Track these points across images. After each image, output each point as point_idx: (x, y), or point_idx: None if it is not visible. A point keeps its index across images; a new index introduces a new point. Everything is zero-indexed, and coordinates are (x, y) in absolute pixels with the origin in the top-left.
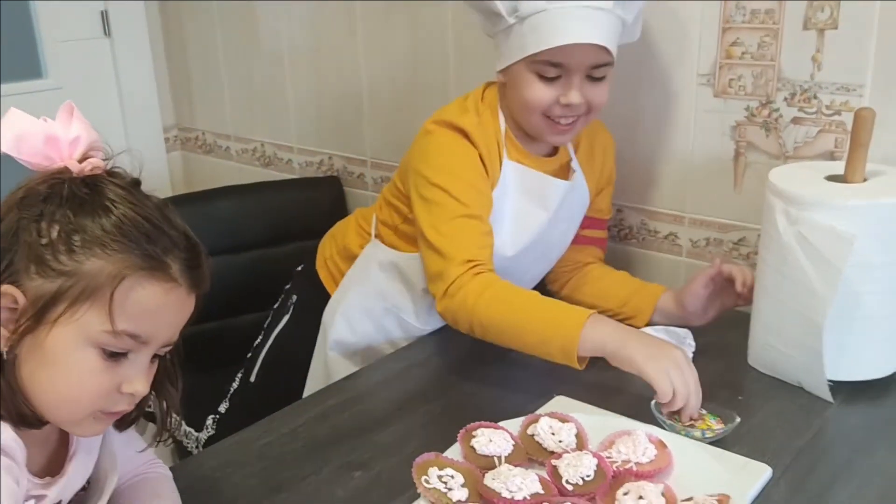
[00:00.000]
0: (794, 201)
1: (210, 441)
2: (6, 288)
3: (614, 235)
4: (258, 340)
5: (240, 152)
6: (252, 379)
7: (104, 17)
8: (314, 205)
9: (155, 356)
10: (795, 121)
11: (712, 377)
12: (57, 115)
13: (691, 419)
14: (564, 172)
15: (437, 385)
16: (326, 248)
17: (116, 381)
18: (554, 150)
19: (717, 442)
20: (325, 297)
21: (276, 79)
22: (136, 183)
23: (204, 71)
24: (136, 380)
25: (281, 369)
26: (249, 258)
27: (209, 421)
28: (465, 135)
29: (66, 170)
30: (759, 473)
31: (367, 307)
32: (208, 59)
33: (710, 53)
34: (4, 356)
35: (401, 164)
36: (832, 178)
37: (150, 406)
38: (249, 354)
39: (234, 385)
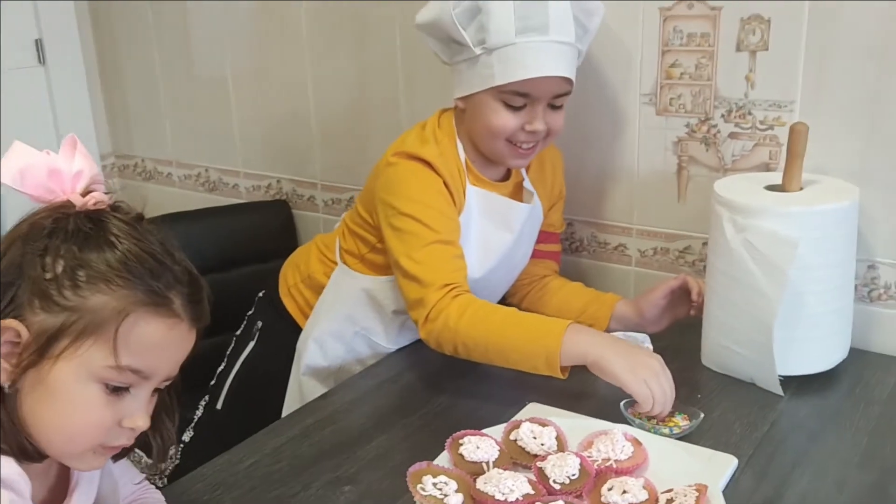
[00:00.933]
0: (739, 210)
1: (177, 471)
2: (9, 322)
3: (566, 248)
4: (222, 367)
5: (182, 178)
6: (219, 406)
7: (39, 45)
8: (263, 229)
9: (155, 390)
10: (732, 136)
11: (672, 377)
12: (60, 148)
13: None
14: (519, 193)
15: (411, 400)
16: (289, 277)
17: (118, 415)
18: (507, 174)
19: (684, 437)
20: (290, 323)
21: (220, 103)
22: (140, 218)
23: (142, 98)
24: (138, 415)
25: (249, 395)
26: None
27: (172, 451)
28: (429, 165)
29: (69, 203)
30: (726, 464)
31: (338, 331)
32: (147, 85)
33: (652, 75)
34: (6, 390)
35: (363, 193)
36: (771, 188)
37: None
38: (213, 382)
39: (199, 413)
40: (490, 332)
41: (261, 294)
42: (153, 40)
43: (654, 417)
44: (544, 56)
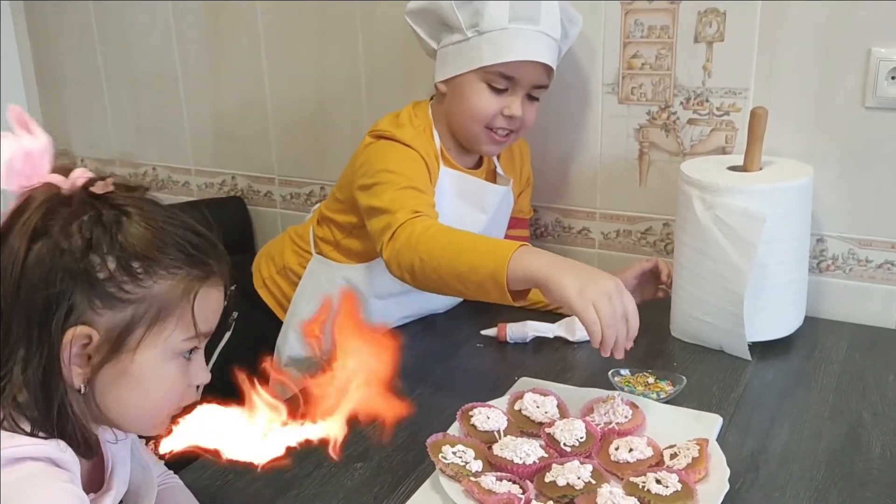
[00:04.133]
0: (708, 189)
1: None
2: (80, 330)
3: (531, 234)
4: None
5: (127, 177)
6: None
7: None
8: (219, 225)
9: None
10: (691, 122)
11: (647, 349)
12: (13, 126)
13: (645, 383)
14: (491, 180)
15: (402, 381)
16: (264, 269)
17: (187, 379)
18: (479, 163)
19: (669, 402)
20: (267, 314)
21: (169, 101)
22: (146, 191)
23: (82, 97)
24: (202, 372)
25: (229, 385)
26: None
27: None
28: (407, 145)
29: (51, 187)
30: (714, 422)
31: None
32: (87, 84)
33: (614, 65)
34: (82, 391)
35: (340, 180)
36: (733, 168)
37: None
38: None
39: None
40: (448, 247)
41: (232, 287)
42: (94, 36)
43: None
44: (533, 43)
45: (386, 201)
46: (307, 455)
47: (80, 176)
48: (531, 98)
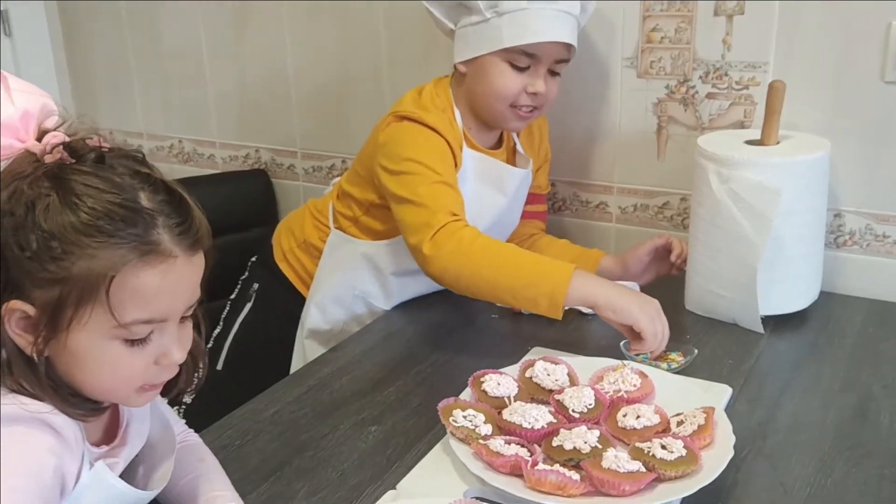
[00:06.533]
0: (724, 163)
1: None
2: (12, 304)
3: (549, 208)
4: (218, 330)
5: (154, 150)
6: (219, 367)
7: (3, 16)
8: (243, 198)
9: (183, 319)
10: (710, 96)
11: None
12: None
13: (659, 354)
14: (512, 159)
15: (419, 350)
16: (284, 242)
17: (149, 358)
18: (500, 142)
19: (680, 372)
20: (288, 286)
21: (195, 75)
22: (100, 158)
23: (111, 70)
24: (171, 350)
25: (248, 354)
26: None
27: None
28: (432, 129)
29: (29, 155)
30: (722, 392)
31: (338, 296)
32: (116, 58)
33: (633, 39)
34: (37, 360)
35: (360, 154)
36: (750, 143)
37: None
38: (211, 345)
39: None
40: (501, 262)
41: (254, 259)
42: (122, 11)
43: (651, 353)
44: (553, 22)
45: (420, 195)
46: (325, 417)
47: (49, 142)
48: (553, 73)
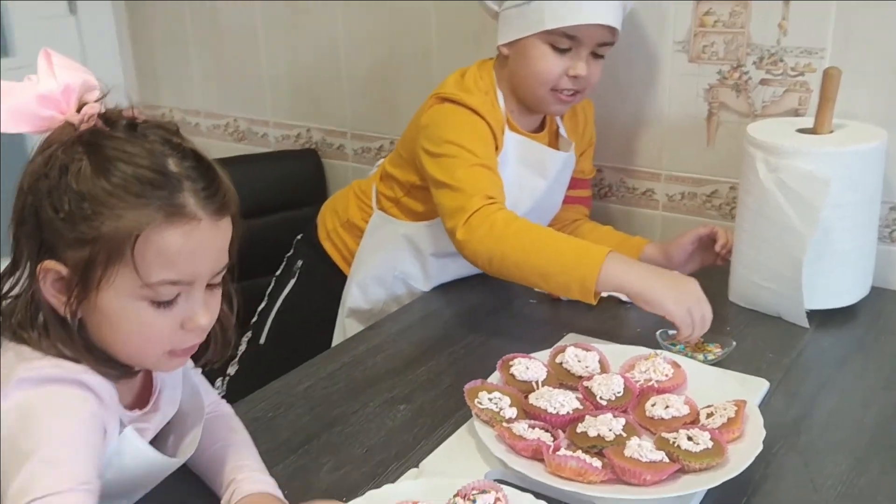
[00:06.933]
0: (773, 151)
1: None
2: (46, 264)
3: (595, 194)
4: (263, 305)
5: (210, 128)
6: (262, 341)
7: None
8: (293, 177)
9: (210, 285)
10: (763, 82)
11: None
12: (38, 68)
13: (693, 344)
14: (554, 143)
15: (454, 331)
16: (328, 221)
17: (176, 321)
18: (542, 125)
19: (717, 364)
20: (330, 265)
21: (250, 54)
22: (132, 125)
23: (171, 48)
24: (197, 315)
25: (290, 329)
26: None
27: (218, 383)
28: (474, 111)
29: (68, 125)
30: (759, 386)
31: (378, 276)
32: (175, 36)
33: (686, 23)
34: (71, 321)
35: (403, 136)
36: (802, 131)
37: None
38: (255, 319)
39: (242, 348)
40: (533, 246)
41: (299, 237)
42: None
43: (688, 344)
44: (595, 4)
45: (458, 179)
46: (357, 394)
47: (86, 112)
48: (596, 56)
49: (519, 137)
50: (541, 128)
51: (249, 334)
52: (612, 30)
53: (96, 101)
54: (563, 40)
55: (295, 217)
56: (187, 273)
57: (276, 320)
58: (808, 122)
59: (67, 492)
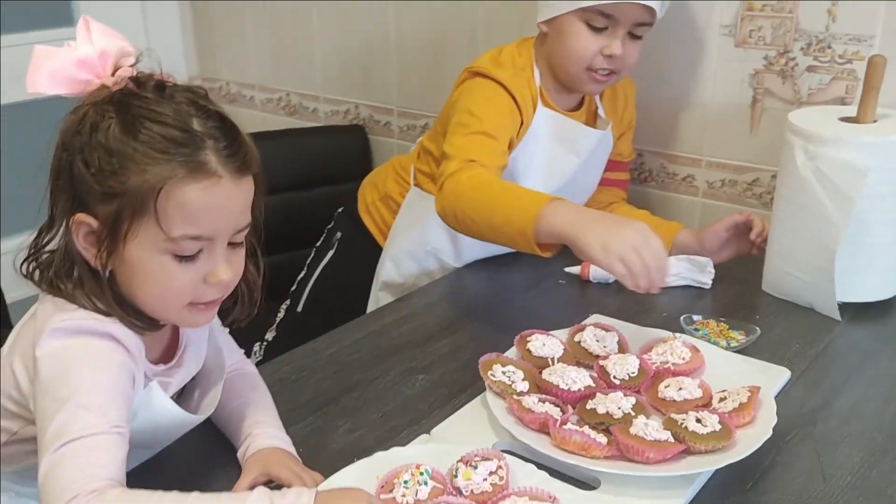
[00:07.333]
0: (812, 139)
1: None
2: (78, 217)
3: (635, 178)
4: (302, 274)
5: (264, 102)
6: (299, 309)
7: None
8: (340, 152)
9: (232, 244)
10: (810, 69)
11: (731, 300)
12: (77, 36)
13: (717, 331)
14: (592, 122)
15: (479, 307)
16: (367, 195)
17: (198, 276)
18: (580, 104)
19: (740, 352)
20: (367, 237)
21: (304, 30)
22: (161, 86)
23: (229, 22)
24: (219, 270)
25: (326, 299)
26: (278, 201)
27: (256, 348)
28: (501, 84)
29: (103, 88)
30: (779, 375)
31: (411, 250)
32: (233, 10)
33: (733, 6)
34: (102, 273)
35: (441, 114)
36: (845, 120)
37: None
38: (294, 288)
39: (281, 315)
40: (484, 200)
41: (340, 210)
42: None
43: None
44: None
45: (452, 146)
46: (379, 362)
47: (120, 75)
48: (633, 36)
49: (552, 113)
50: (578, 107)
51: (288, 302)
52: (649, 10)
53: (130, 66)
54: (599, 18)
55: (339, 191)
56: (208, 228)
57: (314, 289)
58: (852, 111)
59: (101, 434)
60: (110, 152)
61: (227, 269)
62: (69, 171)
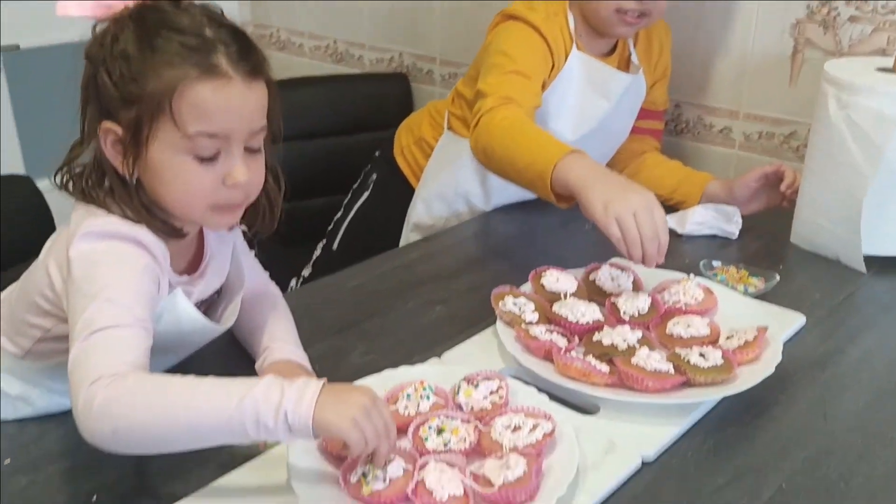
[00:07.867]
0: (844, 88)
1: None
2: (105, 125)
3: (671, 129)
4: (339, 215)
5: (312, 49)
6: (334, 247)
7: None
8: (383, 99)
9: (250, 150)
10: (852, 19)
11: (756, 251)
12: None
13: (737, 276)
14: (624, 68)
15: (503, 249)
16: (403, 138)
17: (217, 177)
18: (612, 49)
19: (759, 297)
20: (402, 179)
21: None
22: (176, 1)
23: None
24: (236, 171)
25: (360, 238)
26: (321, 145)
27: (293, 283)
28: (534, 27)
29: (125, 8)
30: (793, 319)
31: (442, 193)
32: None
33: None
34: (129, 180)
35: (475, 57)
36: (882, 70)
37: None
38: (331, 227)
39: (317, 253)
40: (513, 140)
41: (377, 153)
42: None
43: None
44: None
45: (488, 84)
46: (400, 294)
47: None
48: None
49: (584, 57)
50: (611, 52)
51: (324, 241)
52: None
53: None
54: None
55: (380, 138)
56: (222, 126)
57: (349, 229)
58: (890, 62)
59: (127, 326)
60: (129, 60)
61: (244, 171)
62: (94, 83)
